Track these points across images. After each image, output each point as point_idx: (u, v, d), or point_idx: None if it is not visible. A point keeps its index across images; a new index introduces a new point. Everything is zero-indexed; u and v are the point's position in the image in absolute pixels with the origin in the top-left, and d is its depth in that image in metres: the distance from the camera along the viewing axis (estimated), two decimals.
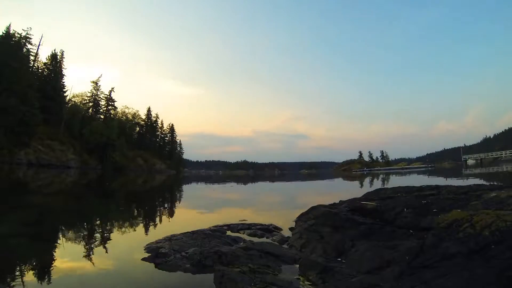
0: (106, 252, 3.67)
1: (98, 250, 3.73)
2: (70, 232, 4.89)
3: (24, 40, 37.04)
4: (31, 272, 2.89)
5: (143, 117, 66.80)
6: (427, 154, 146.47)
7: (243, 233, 4.88)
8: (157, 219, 6.50)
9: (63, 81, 43.46)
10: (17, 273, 2.87)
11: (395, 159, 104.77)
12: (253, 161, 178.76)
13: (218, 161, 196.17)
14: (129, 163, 51.02)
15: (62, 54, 43.74)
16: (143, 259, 3.30)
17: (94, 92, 50.90)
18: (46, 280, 2.70)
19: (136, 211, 7.87)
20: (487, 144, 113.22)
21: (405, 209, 3.80)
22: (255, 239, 4.45)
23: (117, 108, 56.04)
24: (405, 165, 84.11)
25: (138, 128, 65.61)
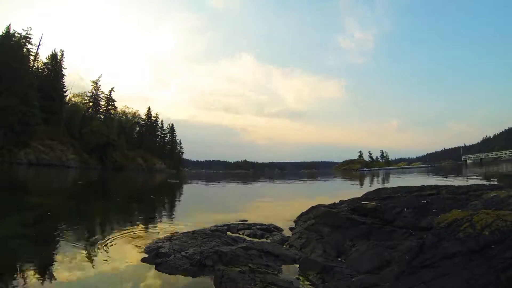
0: (106, 252, 3.67)
1: (98, 250, 3.73)
2: (70, 232, 4.88)
3: (24, 40, 37.03)
4: (31, 273, 2.89)
5: (143, 117, 66.93)
6: (427, 154, 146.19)
7: (243, 233, 4.89)
8: (157, 219, 6.50)
9: (63, 81, 43.46)
10: (17, 274, 2.87)
11: (395, 159, 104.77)
12: (254, 160, 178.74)
13: (218, 160, 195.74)
14: (129, 162, 50.96)
15: (62, 54, 43.73)
16: (143, 259, 3.30)
17: (94, 92, 50.90)
18: (46, 280, 2.70)
19: (136, 211, 7.87)
20: (487, 144, 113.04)
21: (405, 209, 3.80)
22: (255, 239, 4.45)
23: (117, 108, 56.09)
24: (405, 165, 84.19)
25: (138, 128, 65.62)
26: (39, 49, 40.27)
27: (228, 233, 4.78)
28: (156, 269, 3.04)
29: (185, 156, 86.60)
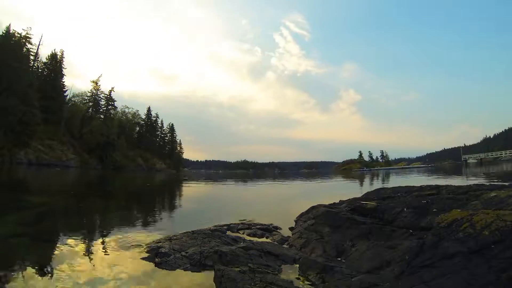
0: (106, 251, 3.67)
1: (98, 250, 3.73)
2: (70, 232, 4.88)
3: (24, 40, 36.99)
4: (31, 272, 2.89)
5: (143, 116, 66.92)
6: (427, 154, 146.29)
7: (243, 233, 4.89)
8: (157, 219, 6.50)
9: (63, 80, 43.49)
10: (18, 272, 2.87)
11: (395, 158, 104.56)
12: (253, 160, 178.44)
13: (218, 160, 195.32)
14: (129, 162, 50.93)
15: (62, 54, 43.68)
16: (143, 258, 3.31)
17: (94, 91, 50.86)
18: (46, 280, 2.70)
19: (136, 211, 7.87)
20: (487, 144, 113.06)
21: (405, 209, 3.80)
22: (255, 239, 4.45)
23: (117, 107, 56.04)
24: (405, 165, 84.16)
25: (138, 128, 65.60)
26: (39, 49, 40.28)
27: (228, 232, 4.78)
28: (156, 268, 3.04)
29: (184, 156, 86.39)
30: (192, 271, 2.96)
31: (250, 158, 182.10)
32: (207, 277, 2.81)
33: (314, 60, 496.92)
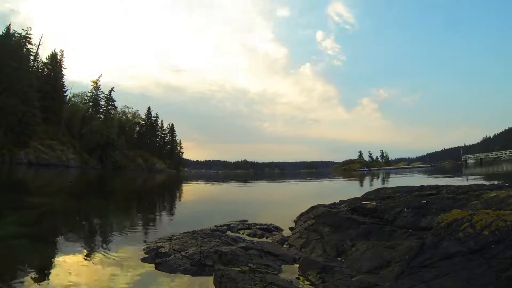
0: (106, 252, 3.67)
1: (98, 250, 3.73)
2: (70, 232, 4.88)
3: (24, 40, 37.02)
4: (31, 273, 2.89)
5: (143, 116, 66.98)
6: (427, 154, 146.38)
7: (243, 233, 4.89)
8: (157, 219, 6.51)
9: (63, 80, 43.49)
10: (18, 273, 2.87)
11: (395, 158, 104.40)
12: (253, 160, 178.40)
13: (218, 160, 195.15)
14: (129, 162, 51.03)
15: (62, 54, 43.72)
16: (143, 258, 3.30)
17: (94, 91, 50.87)
18: (47, 280, 2.70)
19: (136, 211, 7.87)
20: (487, 144, 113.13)
21: (405, 209, 3.80)
22: (255, 239, 4.45)
23: (117, 107, 56.06)
24: (405, 164, 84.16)
25: (138, 128, 65.65)
26: (39, 49, 40.30)
27: (228, 232, 4.78)
28: (156, 269, 3.04)
29: (184, 156, 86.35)
30: (192, 271, 2.96)
31: (250, 158, 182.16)
32: (207, 277, 2.81)
33: (346, 56, 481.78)
